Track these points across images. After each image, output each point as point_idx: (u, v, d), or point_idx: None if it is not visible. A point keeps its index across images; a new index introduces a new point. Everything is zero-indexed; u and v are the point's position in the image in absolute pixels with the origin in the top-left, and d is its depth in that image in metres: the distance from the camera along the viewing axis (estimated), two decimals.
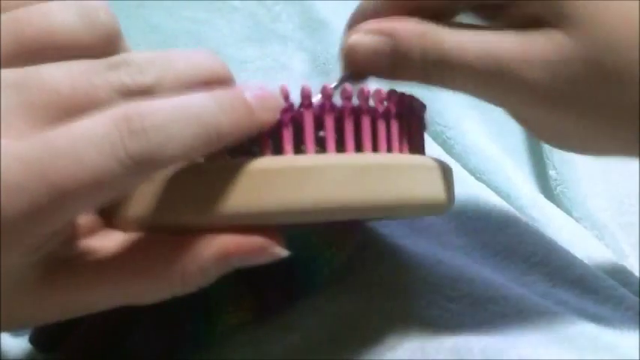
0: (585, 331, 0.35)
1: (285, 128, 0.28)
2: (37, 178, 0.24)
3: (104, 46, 0.28)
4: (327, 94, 0.29)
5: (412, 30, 0.32)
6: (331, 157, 0.29)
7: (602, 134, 0.33)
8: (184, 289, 0.28)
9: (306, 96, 0.29)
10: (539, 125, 0.35)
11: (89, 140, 0.24)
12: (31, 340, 0.37)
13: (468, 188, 0.42)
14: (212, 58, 0.28)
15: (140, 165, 0.25)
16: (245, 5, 0.47)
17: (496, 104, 0.34)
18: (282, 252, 0.28)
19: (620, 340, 0.35)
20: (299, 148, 0.29)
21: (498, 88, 0.32)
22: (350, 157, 0.29)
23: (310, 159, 0.28)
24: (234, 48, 0.45)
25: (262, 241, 0.28)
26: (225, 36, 0.46)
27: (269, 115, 0.28)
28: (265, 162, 0.28)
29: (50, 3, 0.28)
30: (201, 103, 0.26)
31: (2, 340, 0.39)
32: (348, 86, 0.30)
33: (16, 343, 0.39)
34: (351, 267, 0.36)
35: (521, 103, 0.32)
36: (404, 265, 0.37)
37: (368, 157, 0.29)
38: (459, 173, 0.42)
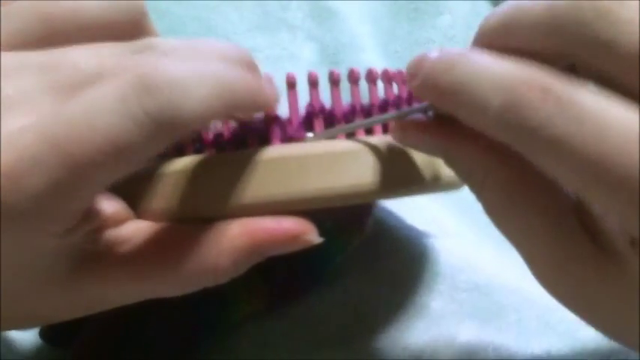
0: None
1: (316, 117, 0.29)
2: (53, 151, 0.23)
3: (131, 27, 0.28)
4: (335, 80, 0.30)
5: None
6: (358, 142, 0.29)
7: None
8: (216, 281, 0.27)
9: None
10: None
11: (102, 104, 0.23)
12: (42, 335, 0.36)
13: None
14: (236, 46, 0.28)
15: (160, 125, 0.23)
16: None
17: None
18: (316, 238, 0.27)
19: None
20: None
21: None
22: (375, 140, 0.29)
23: (344, 144, 0.28)
24: (243, 36, 0.45)
25: (296, 229, 0.27)
26: (234, 24, 0.45)
27: (274, 95, 0.28)
28: (290, 149, 0.28)
29: None
30: (217, 66, 0.25)
31: (10, 335, 0.38)
32: (355, 70, 0.30)
33: (25, 337, 0.38)
34: (360, 258, 0.36)
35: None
36: (412, 257, 0.37)
37: (384, 141, 0.29)
38: None
